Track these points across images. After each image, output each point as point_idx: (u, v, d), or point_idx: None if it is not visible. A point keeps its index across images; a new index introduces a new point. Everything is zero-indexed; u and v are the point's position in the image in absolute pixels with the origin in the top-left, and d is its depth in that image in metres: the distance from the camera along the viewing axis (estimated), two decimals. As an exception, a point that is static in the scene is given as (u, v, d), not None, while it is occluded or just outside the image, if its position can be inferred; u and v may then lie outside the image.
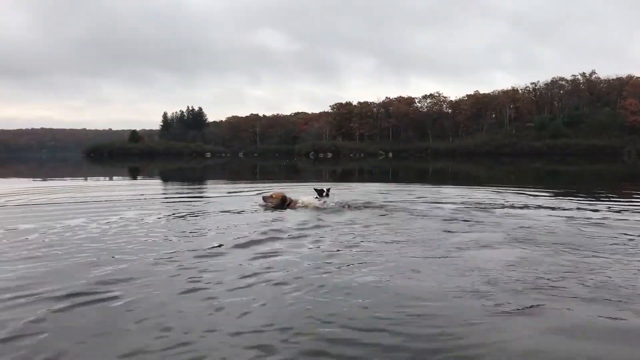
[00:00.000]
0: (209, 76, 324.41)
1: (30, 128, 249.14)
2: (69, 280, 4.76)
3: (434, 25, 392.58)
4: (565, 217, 9.08)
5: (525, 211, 9.94)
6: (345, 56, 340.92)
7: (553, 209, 10.32)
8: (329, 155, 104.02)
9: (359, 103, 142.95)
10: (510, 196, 13.12)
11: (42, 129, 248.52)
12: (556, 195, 13.83)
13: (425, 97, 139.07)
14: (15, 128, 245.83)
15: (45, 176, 25.74)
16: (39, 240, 6.80)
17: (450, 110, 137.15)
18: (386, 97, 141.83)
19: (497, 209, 10.13)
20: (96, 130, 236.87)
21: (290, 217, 8.93)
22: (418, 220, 8.63)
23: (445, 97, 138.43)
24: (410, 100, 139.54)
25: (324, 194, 10.68)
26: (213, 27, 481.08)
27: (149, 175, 29.31)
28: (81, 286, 4.57)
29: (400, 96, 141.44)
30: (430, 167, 42.99)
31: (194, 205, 10.89)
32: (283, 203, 10.10)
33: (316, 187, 11.16)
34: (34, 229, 7.60)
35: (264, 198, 10.38)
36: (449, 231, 7.54)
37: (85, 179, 23.87)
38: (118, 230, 7.54)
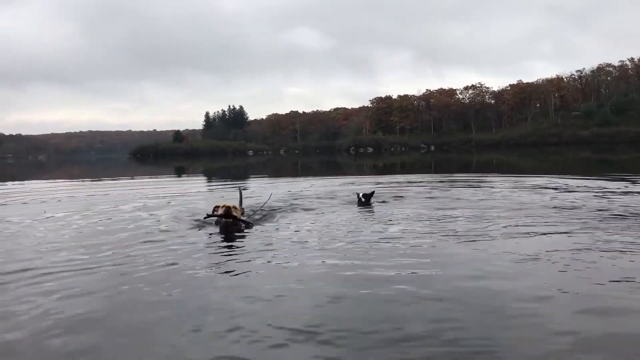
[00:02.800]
0: (248, 75, 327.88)
1: (79, 131, 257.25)
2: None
3: (469, 17, 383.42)
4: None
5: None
6: (381, 51, 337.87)
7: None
8: (369, 150, 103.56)
9: (399, 96, 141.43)
10: None
11: (89, 131, 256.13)
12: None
13: (466, 88, 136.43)
14: (65, 131, 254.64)
15: (113, 175, 26.64)
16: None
17: (493, 101, 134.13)
18: (427, 90, 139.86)
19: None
20: (141, 132, 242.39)
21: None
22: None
23: (488, 88, 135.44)
24: (451, 92, 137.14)
25: (362, 200, 9.46)
26: (248, 27, 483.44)
27: (221, 176, 29.83)
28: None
29: (441, 88, 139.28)
30: (475, 158, 42.28)
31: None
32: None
33: (358, 191, 10.17)
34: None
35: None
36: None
37: (178, 176, 24.59)
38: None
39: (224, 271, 5.03)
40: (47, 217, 9.06)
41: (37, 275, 4.87)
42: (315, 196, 11.33)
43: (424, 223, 7.36)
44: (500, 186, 12.95)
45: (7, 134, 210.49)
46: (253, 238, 6.58)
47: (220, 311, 3.82)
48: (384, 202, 9.87)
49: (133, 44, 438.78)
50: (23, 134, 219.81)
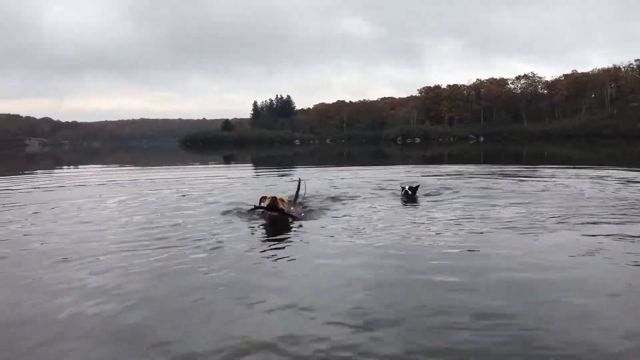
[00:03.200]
0: (296, 65, 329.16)
1: (131, 118, 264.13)
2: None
3: (521, 4, 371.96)
4: None
5: None
6: (430, 40, 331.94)
7: None
8: (417, 140, 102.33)
9: (448, 86, 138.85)
10: None
11: (141, 119, 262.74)
12: None
13: (518, 78, 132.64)
14: (118, 119, 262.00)
15: (163, 162, 27.35)
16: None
17: (545, 91, 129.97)
18: (477, 79, 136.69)
19: None
20: (190, 120, 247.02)
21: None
22: None
23: (540, 78, 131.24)
24: (502, 82, 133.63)
25: (409, 192, 9.10)
26: (297, 16, 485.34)
27: (268, 165, 30.21)
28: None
29: (492, 78, 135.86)
30: (526, 149, 41.17)
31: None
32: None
33: (404, 184, 9.67)
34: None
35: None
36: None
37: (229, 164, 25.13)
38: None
39: (268, 256, 5.10)
40: (103, 201, 9.46)
41: (93, 254, 5.12)
42: (361, 187, 11.23)
43: (473, 215, 7.21)
44: (554, 178, 12.56)
45: (63, 121, 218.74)
46: (297, 230, 6.58)
47: (264, 292, 3.87)
48: (430, 194, 9.68)
49: (184, 33, 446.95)
50: (79, 121, 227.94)
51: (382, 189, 10.68)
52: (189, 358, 2.85)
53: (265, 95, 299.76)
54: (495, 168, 17.08)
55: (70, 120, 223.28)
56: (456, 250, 5.07)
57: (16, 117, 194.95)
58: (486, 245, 5.36)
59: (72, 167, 25.89)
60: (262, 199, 7.27)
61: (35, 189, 12.19)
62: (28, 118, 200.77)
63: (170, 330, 3.23)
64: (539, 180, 11.98)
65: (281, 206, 6.90)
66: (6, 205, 9.05)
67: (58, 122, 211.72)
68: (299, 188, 8.71)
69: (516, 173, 14.54)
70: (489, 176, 13.62)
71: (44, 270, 4.60)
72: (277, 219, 6.83)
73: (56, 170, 22.11)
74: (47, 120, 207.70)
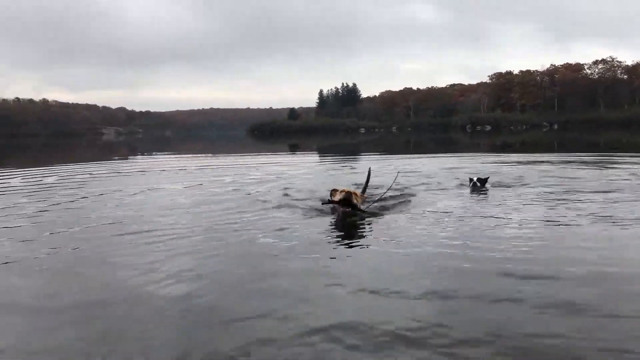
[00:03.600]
0: (362, 52, 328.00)
1: (201, 108, 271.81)
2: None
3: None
4: None
5: None
6: (500, 24, 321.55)
7: None
8: (487, 127, 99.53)
9: (520, 72, 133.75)
10: None
11: (211, 108, 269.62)
12: None
13: (595, 62, 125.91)
14: (188, 109, 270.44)
15: (231, 151, 28.07)
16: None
17: (625, 76, 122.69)
18: (551, 64, 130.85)
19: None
20: (258, 109, 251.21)
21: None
22: None
23: (620, 62, 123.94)
24: (578, 67, 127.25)
25: (477, 184, 8.70)
26: (363, 3, 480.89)
27: (333, 153, 30.39)
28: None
29: (567, 63, 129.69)
30: (603, 138, 39.14)
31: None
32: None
33: (472, 175, 9.33)
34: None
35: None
36: None
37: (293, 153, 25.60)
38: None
39: (338, 241, 5.15)
40: (177, 187, 10.01)
41: (170, 237, 5.42)
42: (430, 176, 10.97)
43: (547, 208, 6.93)
44: (636, 167, 11.84)
45: (137, 110, 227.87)
46: (365, 220, 6.48)
47: (337, 275, 3.90)
48: (503, 184, 9.33)
49: (252, 22, 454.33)
50: (152, 110, 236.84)
51: (450, 179, 10.42)
52: (263, 339, 2.91)
53: (331, 84, 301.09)
54: (571, 156, 16.33)
55: (143, 110, 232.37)
56: (531, 242, 4.89)
57: (94, 107, 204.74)
58: (561, 236, 5.19)
59: (146, 154, 26.98)
60: (333, 191, 6.66)
61: (116, 175, 13.04)
62: (105, 108, 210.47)
63: (243, 311, 3.32)
64: (619, 169, 11.35)
65: (355, 201, 6.35)
66: (89, 192, 9.71)
67: (132, 112, 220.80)
68: (368, 178, 8.18)
69: (594, 161, 13.82)
70: (564, 165, 13.04)
71: (124, 252, 4.89)
72: (348, 215, 6.32)
73: (133, 158, 23.25)
74: (122, 110, 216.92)
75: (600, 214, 6.12)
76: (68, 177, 12.51)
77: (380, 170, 12.10)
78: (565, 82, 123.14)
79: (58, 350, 2.86)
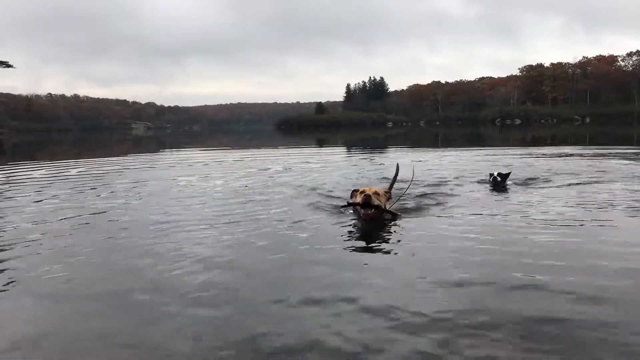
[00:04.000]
0: (389, 46, 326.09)
1: (228, 103, 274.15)
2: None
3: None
4: None
5: None
6: (529, 16, 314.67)
7: None
8: (517, 121, 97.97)
9: (552, 64, 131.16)
10: None
11: (238, 103, 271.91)
12: None
13: (630, 54, 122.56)
14: (216, 103, 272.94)
15: (258, 145, 28.25)
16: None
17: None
18: (583, 57, 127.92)
19: None
20: (285, 104, 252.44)
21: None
22: None
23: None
24: (611, 59, 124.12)
25: (497, 179, 8.36)
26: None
27: (360, 147, 30.41)
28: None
29: (599, 55, 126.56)
30: (637, 132, 38.17)
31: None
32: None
33: (493, 170, 8.92)
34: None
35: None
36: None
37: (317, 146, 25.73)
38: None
39: (361, 234, 5.26)
40: (205, 179, 10.32)
41: (197, 226, 5.64)
42: (456, 172, 10.83)
43: (574, 203, 6.81)
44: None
45: (166, 105, 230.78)
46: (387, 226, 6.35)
47: (362, 265, 3.96)
48: (532, 178, 9.17)
49: (278, 17, 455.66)
50: (180, 105, 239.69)
51: (475, 174, 10.28)
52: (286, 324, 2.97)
53: (359, 78, 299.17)
54: (604, 150, 15.99)
55: (172, 105, 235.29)
56: (559, 238, 4.83)
57: (124, 102, 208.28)
58: (592, 230, 5.11)
59: (174, 149, 27.33)
60: (354, 192, 6.20)
61: (150, 168, 13.36)
62: (134, 103, 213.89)
63: (268, 296, 3.41)
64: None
65: (377, 201, 5.78)
66: (123, 183, 10.03)
67: (161, 107, 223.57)
68: (396, 174, 7.38)
69: (627, 155, 13.51)
70: (597, 158, 12.78)
71: (156, 240, 5.08)
72: (373, 217, 5.76)
73: (165, 152, 23.62)
74: (151, 105, 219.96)
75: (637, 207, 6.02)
76: (96, 170, 12.92)
77: (412, 164, 11.87)
78: (597, 74, 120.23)
79: (94, 335, 2.97)
